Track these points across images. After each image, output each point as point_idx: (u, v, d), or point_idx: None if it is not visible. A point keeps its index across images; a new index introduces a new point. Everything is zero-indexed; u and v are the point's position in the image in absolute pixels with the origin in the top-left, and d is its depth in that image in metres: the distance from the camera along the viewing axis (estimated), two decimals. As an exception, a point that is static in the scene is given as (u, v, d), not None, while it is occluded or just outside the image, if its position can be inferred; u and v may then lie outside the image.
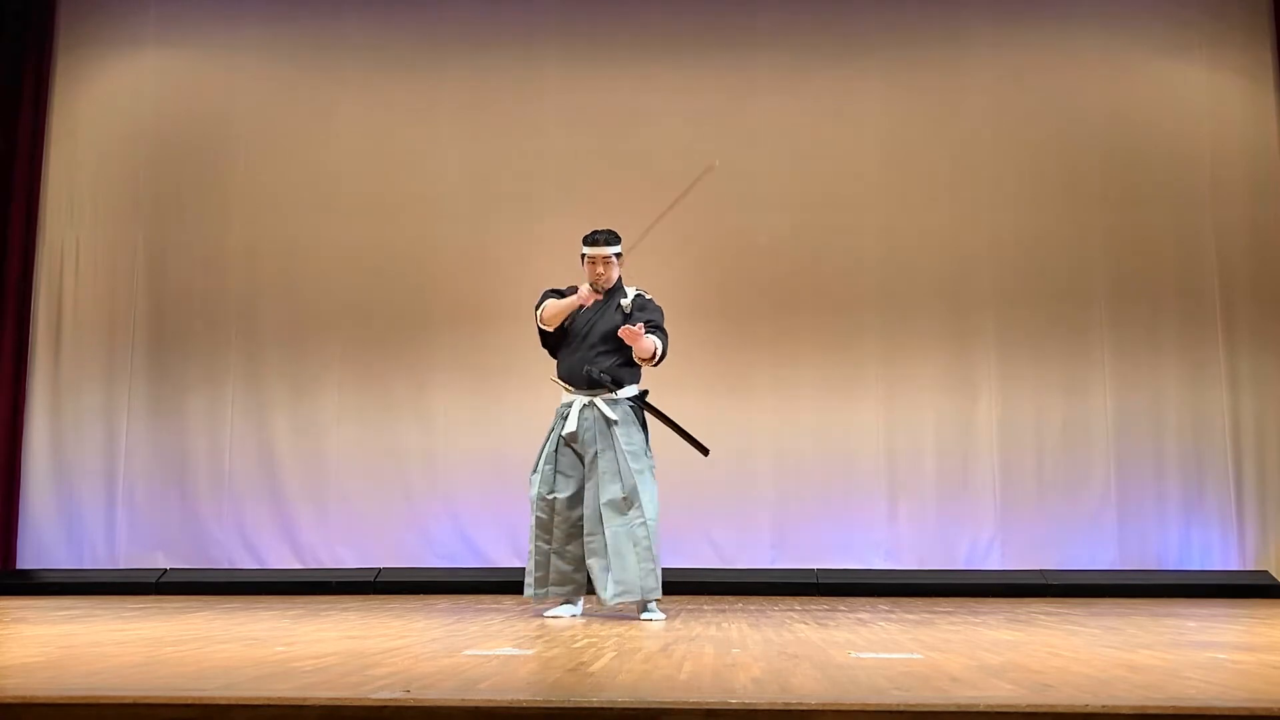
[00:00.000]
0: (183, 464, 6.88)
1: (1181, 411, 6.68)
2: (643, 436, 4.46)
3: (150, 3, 7.30)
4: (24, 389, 6.95)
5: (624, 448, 4.35)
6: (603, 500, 4.30)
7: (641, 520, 4.27)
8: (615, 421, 4.38)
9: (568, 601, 4.43)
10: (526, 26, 7.16)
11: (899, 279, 6.86)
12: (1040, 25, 7.06)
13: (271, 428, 6.90)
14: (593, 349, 4.48)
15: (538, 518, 4.46)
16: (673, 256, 6.84)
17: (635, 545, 4.25)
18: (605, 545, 4.27)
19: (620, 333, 4.37)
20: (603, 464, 4.34)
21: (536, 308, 4.61)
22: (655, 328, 4.48)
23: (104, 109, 7.27)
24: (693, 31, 7.11)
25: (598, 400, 4.43)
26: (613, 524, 4.27)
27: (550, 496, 4.43)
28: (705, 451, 4.59)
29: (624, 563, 4.23)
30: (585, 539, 4.36)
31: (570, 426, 4.41)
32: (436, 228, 7.01)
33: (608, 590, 4.25)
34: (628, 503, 4.29)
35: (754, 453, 6.73)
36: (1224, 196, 6.84)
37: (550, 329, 4.56)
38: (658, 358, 4.46)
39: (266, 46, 7.25)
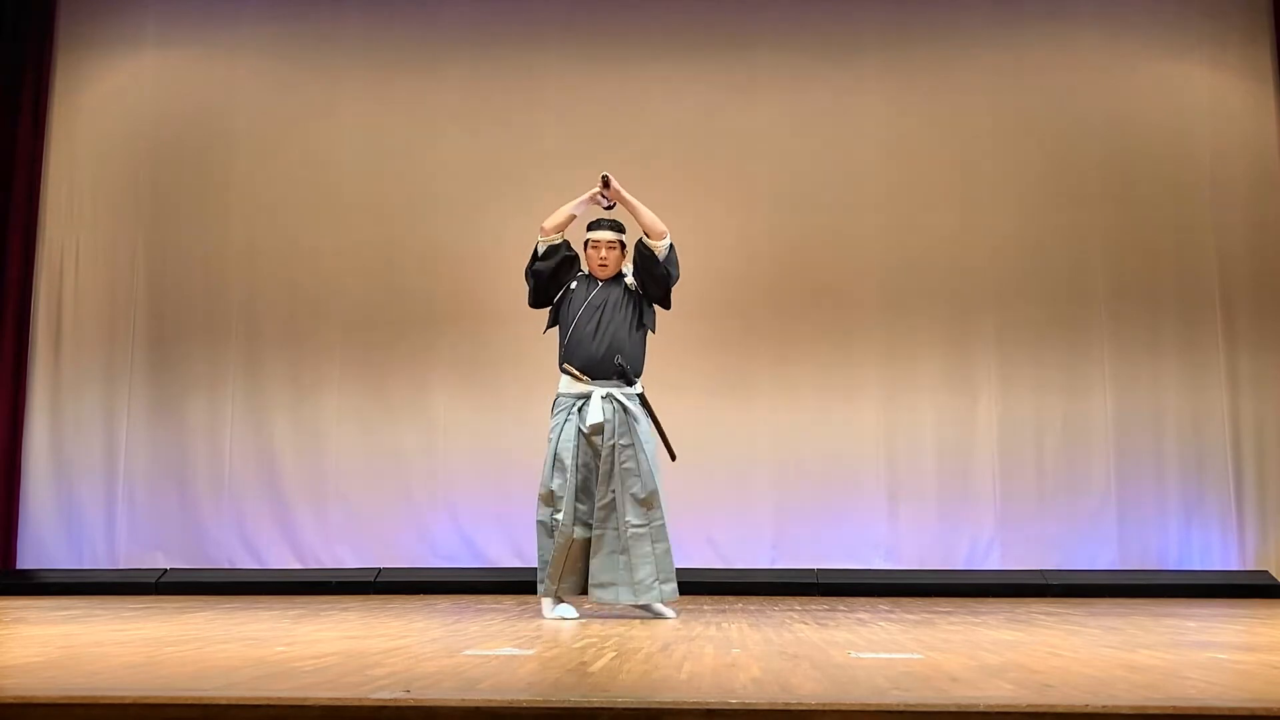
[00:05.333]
0: (183, 464, 6.88)
1: (1181, 411, 6.69)
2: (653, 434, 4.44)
3: (150, 3, 7.30)
4: (24, 389, 6.95)
5: (643, 444, 4.32)
6: (627, 497, 4.25)
7: (661, 522, 4.25)
8: (635, 416, 4.34)
9: (563, 601, 4.36)
10: (527, 26, 7.16)
11: (899, 279, 6.86)
12: (1040, 26, 7.06)
13: (271, 428, 6.90)
14: (613, 335, 4.41)
15: (558, 520, 4.34)
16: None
17: (654, 545, 4.22)
18: (626, 544, 4.22)
19: (609, 193, 4.49)
20: (625, 457, 4.28)
21: (537, 245, 4.57)
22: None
23: (104, 109, 7.28)
24: (693, 31, 7.12)
25: (616, 393, 4.36)
26: (635, 522, 4.23)
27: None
28: (674, 457, 4.57)
29: (646, 562, 4.20)
30: (598, 532, 4.27)
31: (595, 418, 4.30)
32: (436, 227, 7.01)
33: (630, 591, 4.19)
34: (648, 503, 4.25)
35: (754, 453, 6.73)
36: (1224, 196, 6.84)
37: (555, 240, 4.54)
38: (665, 237, 4.51)
39: (266, 46, 7.26)
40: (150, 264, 7.08)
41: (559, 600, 4.36)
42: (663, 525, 4.26)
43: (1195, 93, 6.96)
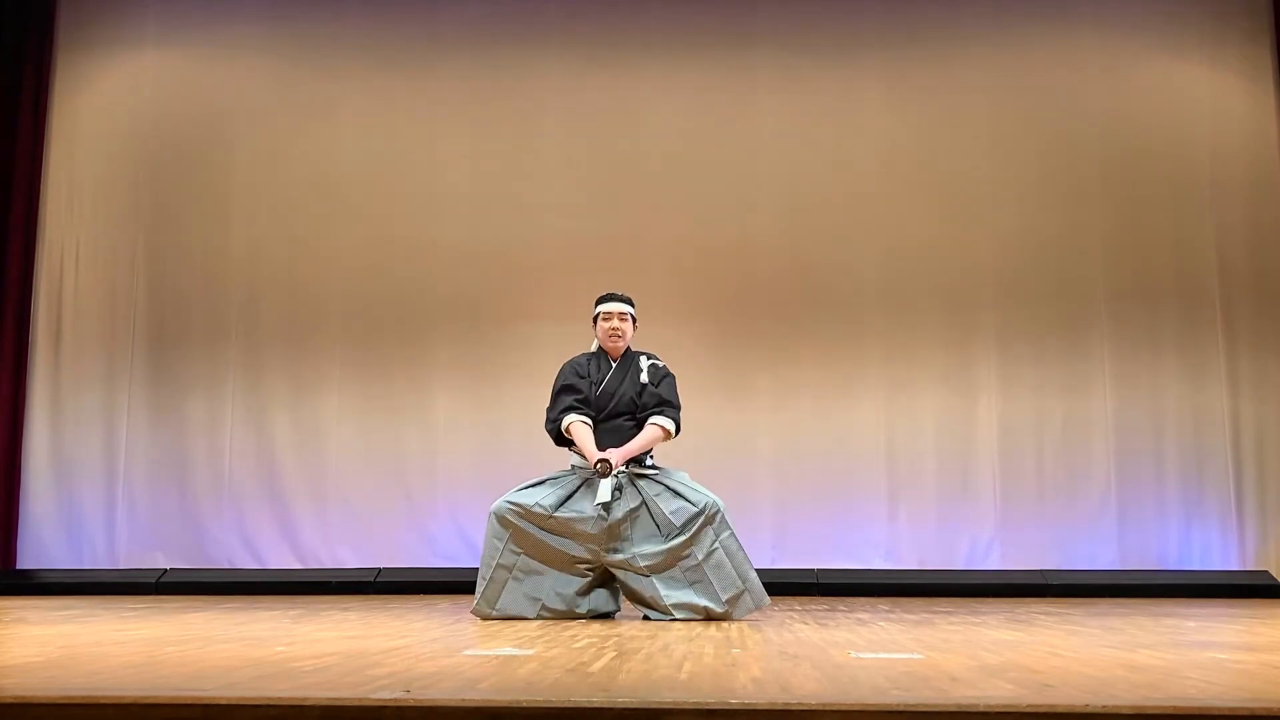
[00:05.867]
0: (183, 464, 6.88)
1: (1181, 411, 6.69)
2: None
3: (150, 3, 7.31)
4: (24, 389, 6.96)
5: (676, 478, 4.30)
6: (680, 529, 4.14)
7: (729, 532, 4.17)
8: (655, 467, 4.36)
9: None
10: (526, 26, 7.17)
11: (899, 279, 6.87)
12: (1040, 25, 7.06)
13: (271, 428, 6.90)
14: (619, 420, 4.39)
15: (519, 522, 4.23)
16: (674, 257, 6.87)
17: (731, 556, 4.15)
18: (699, 564, 4.12)
19: (608, 467, 4.20)
20: (667, 503, 4.20)
21: (559, 416, 4.37)
22: (664, 404, 4.40)
23: (104, 109, 7.28)
24: (693, 32, 7.12)
25: (630, 470, 4.31)
26: (704, 541, 4.14)
27: (548, 512, 4.19)
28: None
29: (740, 572, 4.14)
30: (661, 577, 4.14)
31: (604, 497, 4.16)
32: (437, 227, 7.02)
33: (723, 605, 4.09)
34: (710, 516, 4.16)
35: (754, 453, 6.73)
36: (1224, 196, 6.85)
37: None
38: (673, 436, 4.42)
39: (267, 46, 7.26)
40: (150, 264, 7.09)
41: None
42: (731, 534, 4.17)
43: (1195, 93, 6.96)
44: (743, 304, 6.87)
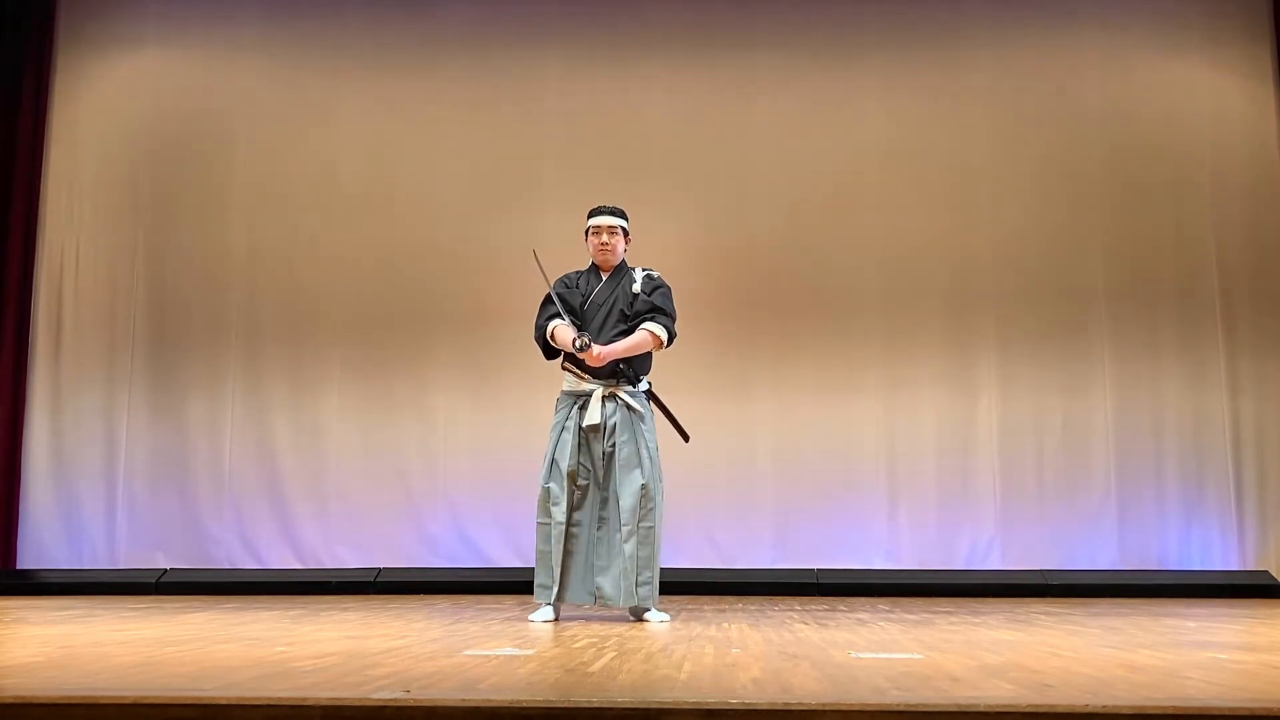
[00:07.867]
0: (183, 464, 6.88)
1: (1181, 411, 6.69)
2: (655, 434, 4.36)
3: (150, 3, 7.31)
4: (24, 389, 6.95)
5: (646, 442, 4.26)
6: (623, 497, 4.17)
7: (650, 525, 4.16)
8: (640, 414, 4.28)
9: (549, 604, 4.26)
10: (527, 26, 7.17)
11: (899, 279, 6.86)
12: (1040, 25, 7.06)
13: (271, 428, 6.90)
14: (610, 335, 4.32)
15: (554, 523, 4.23)
16: (673, 256, 6.85)
17: (640, 547, 4.14)
18: (618, 545, 4.15)
19: (592, 361, 4.20)
20: (625, 456, 4.21)
21: (545, 323, 4.38)
22: (656, 310, 4.33)
23: (104, 109, 7.28)
24: (693, 31, 7.12)
25: (620, 392, 4.28)
26: (628, 523, 4.15)
27: (582, 484, 4.23)
28: (687, 438, 4.48)
29: (635, 566, 4.12)
30: (599, 532, 4.21)
31: (593, 418, 4.20)
32: (437, 227, 7.01)
33: (610, 591, 4.13)
34: (644, 503, 4.17)
35: (754, 453, 6.73)
36: (1224, 196, 6.84)
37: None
38: (666, 342, 4.34)
39: (267, 46, 7.26)
40: (150, 264, 7.08)
41: (553, 605, 4.22)
42: (651, 528, 4.16)
43: (1195, 92, 6.96)
44: (742, 304, 6.87)
